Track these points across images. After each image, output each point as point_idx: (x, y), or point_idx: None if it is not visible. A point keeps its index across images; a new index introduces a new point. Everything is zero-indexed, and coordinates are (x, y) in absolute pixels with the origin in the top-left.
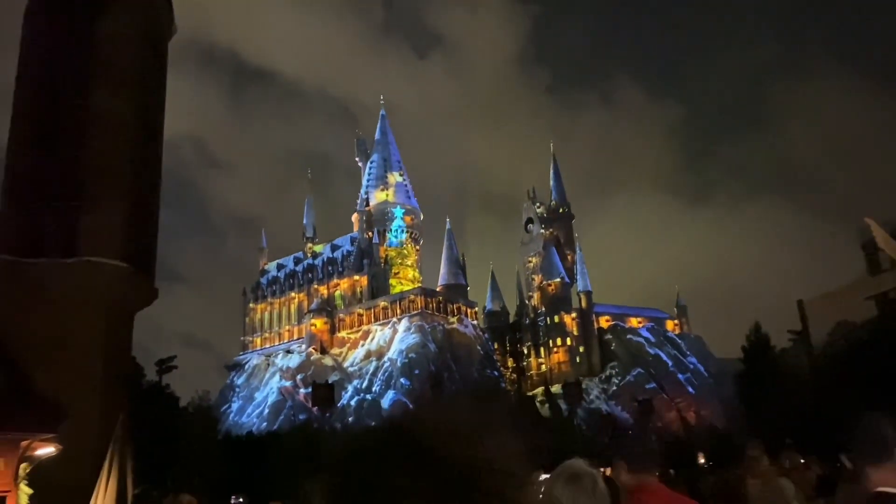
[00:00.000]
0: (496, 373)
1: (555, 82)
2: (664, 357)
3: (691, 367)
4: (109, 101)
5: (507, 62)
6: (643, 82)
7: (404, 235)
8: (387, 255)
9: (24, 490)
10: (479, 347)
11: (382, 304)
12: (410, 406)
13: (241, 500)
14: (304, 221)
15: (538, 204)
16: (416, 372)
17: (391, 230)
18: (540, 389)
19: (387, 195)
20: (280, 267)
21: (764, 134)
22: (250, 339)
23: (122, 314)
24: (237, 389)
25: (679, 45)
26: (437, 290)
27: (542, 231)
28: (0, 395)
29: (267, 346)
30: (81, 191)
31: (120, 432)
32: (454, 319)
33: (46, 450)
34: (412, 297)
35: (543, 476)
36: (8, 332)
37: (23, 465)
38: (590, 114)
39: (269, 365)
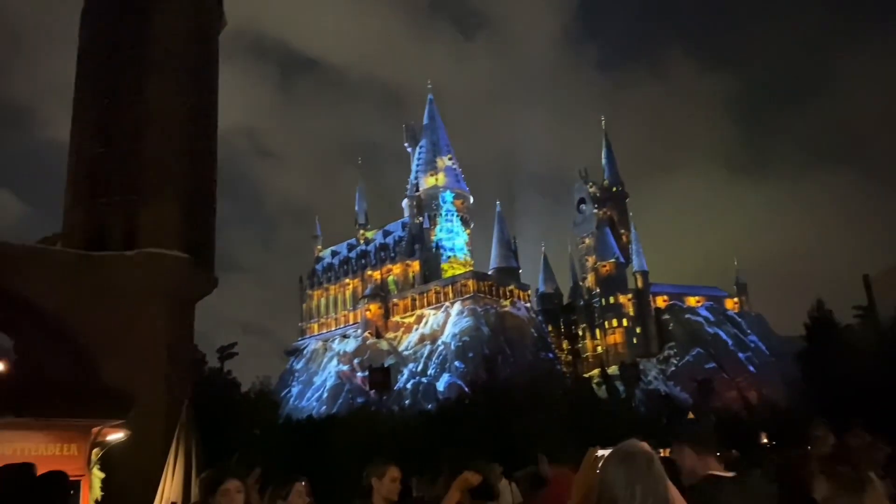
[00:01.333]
0: (551, 355)
1: (604, 58)
2: (724, 336)
3: (752, 345)
4: (165, 96)
5: (554, 39)
6: (696, 53)
7: (455, 220)
8: (437, 240)
9: (97, 474)
10: (532, 330)
11: (435, 288)
12: (466, 389)
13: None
14: (356, 208)
15: (590, 183)
16: (470, 355)
17: (441, 214)
18: (596, 371)
19: (436, 180)
20: (334, 254)
21: (825, 102)
22: (307, 324)
23: (183, 303)
24: (296, 374)
25: (733, 13)
26: (489, 273)
27: (595, 211)
28: (71, 384)
29: (324, 331)
30: (140, 184)
31: (185, 418)
32: (507, 302)
33: (116, 436)
34: (464, 281)
35: (601, 453)
36: (77, 323)
37: (95, 451)
38: (641, 89)
39: (326, 350)
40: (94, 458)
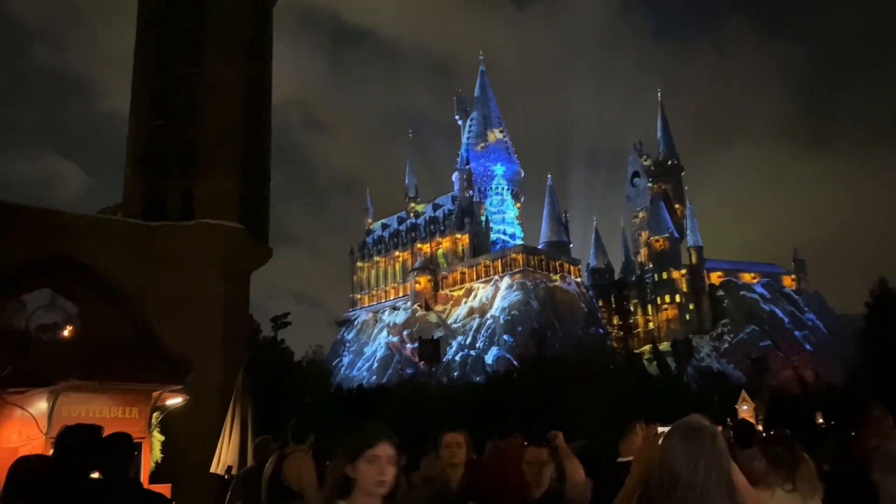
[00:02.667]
0: (601, 331)
1: (661, 28)
2: (780, 314)
3: (809, 323)
4: (221, 69)
5: (609, 7)
6: (757, 21)
7: (505, 193)
8: (487, 213)
9: (157, 437)
10: (582, 305)
11: (484, 261)
12: (515, 363)
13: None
14: (406, 181)
15: (645, 157)
16: (519, 329)
17: (492, 188)
18: (647, 347)
19: (487, 152)
20: (384, 227)
21: (893, 72)
22: (358, 296)
23: (239, 273)
24: (347, 344)
25: None
26: (539, 247)
27: (650, 185)
28: (133, 350)
29: (374, 303)
30: (197, 155)
31: (240, 385)
32: (557, 277)
33: (175, 400)
34: (514, 254)
35: (661, 430)
36: (137, 292)
37: (155, 414)
38: (699, 59)
39: (376, 321)
40: (154, 421)
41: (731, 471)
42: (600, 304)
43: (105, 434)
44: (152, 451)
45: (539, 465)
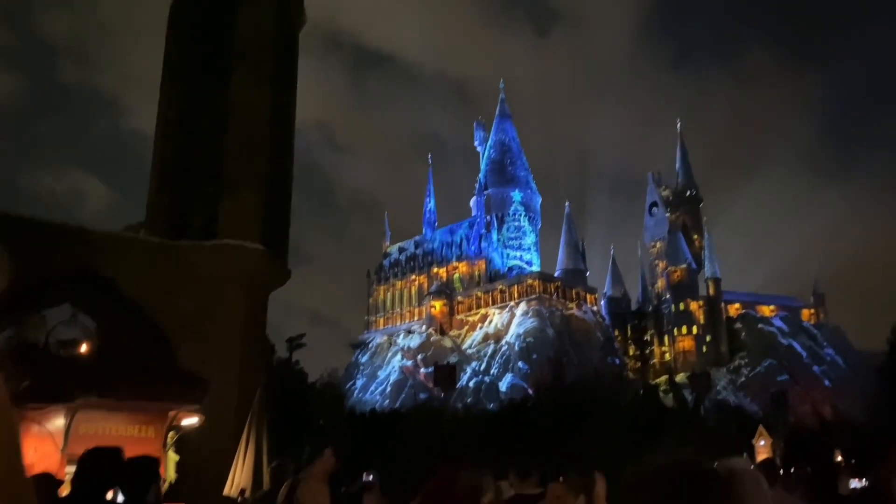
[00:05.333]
0: (617, 360)
1: (681, 56)
2: (798, 348)
3: (828, 358)
4: (248, 91)
5: (629, 36)
6: (778, 50)
7: (523, 219)
8: (505, 239)
9: (172, 457)
10: (599, 334)
11: (500, 287)
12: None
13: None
14: (425, 205)
15: (663, 187)
16: (535, 356)
17: (509, 214)
18: (663, 378)
19: (505, 178)
20: (401, 250)
21: None
22: (374, 318)
23: (259, 294)
24: (361, 367)
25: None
26: (556, 274)
27: (668, 215)
28: (150, 368)
29: (389, 325)
30: (222, 176)
31: (257, 406)
32: (573, 305)
33: (191, 420)
34: (530, 281)
35: None
36: (157, 309)
37: (171, 434)
38: (719, 89)
39: (391, 344)
40: (169, 440)
41: None
42: (616, 333)
43: (125, 454)
44: (167, 470)
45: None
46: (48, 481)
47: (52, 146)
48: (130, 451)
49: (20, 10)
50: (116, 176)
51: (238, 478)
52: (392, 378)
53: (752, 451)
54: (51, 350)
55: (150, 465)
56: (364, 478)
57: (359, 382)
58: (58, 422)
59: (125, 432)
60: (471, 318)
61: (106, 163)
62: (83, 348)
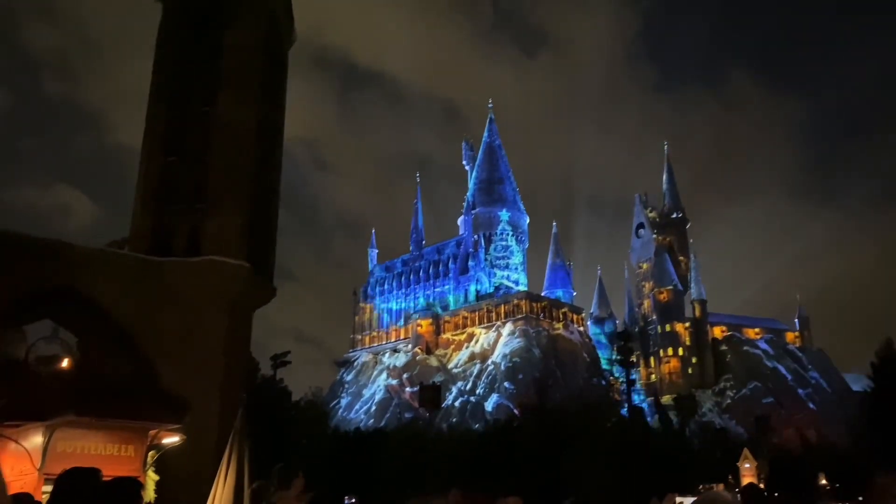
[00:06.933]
0: (603, 382)
1: (666, 80)
2: (783, 371)
3: (813, 381)
4: (235, 110)
5: (616, 59)
6: (763, 76)
7: (510, 239)
8: (491, 259)
9: (151, 476)
10: (585, 354)
11: (487, 307)
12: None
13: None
14: (412, 224)
15: (650, 209)
16: (520, 377)
17: (496, 234)
18: (649, 400)
19: (493, 199)
20: (388, 268)
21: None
22: (359, 336)
23: (242, 312)
24: (346, 385)
25: (803, 34)
26: (542, 294)
27: (655, 236)
28: (131, 386)
29: (374, 344)
30: (207, 193)
31: (239, 426)
32: (559, 325)
33: (172, 439)
34: (517, 301)
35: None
36: (139, 326)
37: (151, 453)
38: (705, 112)
39: (376, 363)
40: (149, 460)
41: None
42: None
43: (102, 473)
44: (146, 490)
45: None
46: (27, 501)
47: (36, 161)
48: (110, 470)
49: (5, 26)
50: (102, 191)
51: (218, 499)
52: (377, 397)
53: (736, 474)
54: (31, 366)
55: (129, 487)
56: (346, 502)
57: (343, 401)
58: (35, 440)
59: (104, 451)
60: (457, 338)
61: (91, 178)
62: (64, 363)
